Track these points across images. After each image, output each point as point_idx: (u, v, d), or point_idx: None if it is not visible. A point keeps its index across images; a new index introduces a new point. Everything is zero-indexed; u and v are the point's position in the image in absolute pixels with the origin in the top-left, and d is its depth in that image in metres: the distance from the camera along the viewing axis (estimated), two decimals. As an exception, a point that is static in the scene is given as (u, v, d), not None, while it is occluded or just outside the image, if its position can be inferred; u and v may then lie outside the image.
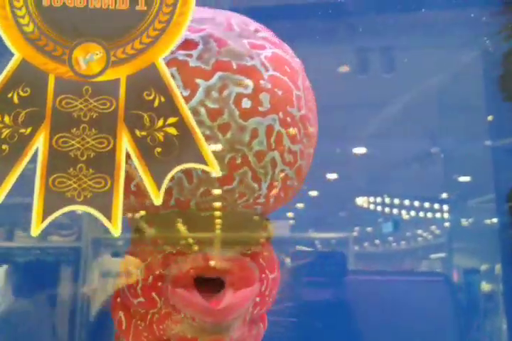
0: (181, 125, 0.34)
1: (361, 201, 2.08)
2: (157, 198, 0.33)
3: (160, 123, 0.34)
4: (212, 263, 0.40)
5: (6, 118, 0.33)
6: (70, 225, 2.34)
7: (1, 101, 0.33)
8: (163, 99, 0.34)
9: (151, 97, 0.34)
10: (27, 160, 0.33)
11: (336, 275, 1.00)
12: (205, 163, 0.34)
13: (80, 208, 0.32)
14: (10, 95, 0.33)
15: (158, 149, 0.34)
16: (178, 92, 0.35)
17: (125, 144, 0.33)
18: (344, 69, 1.61)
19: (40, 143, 0.33)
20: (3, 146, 0.33)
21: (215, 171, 0.34)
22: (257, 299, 0.42)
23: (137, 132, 0.34)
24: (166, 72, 0.35)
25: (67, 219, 2.35)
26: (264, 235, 0.44)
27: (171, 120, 0.34)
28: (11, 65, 0.34)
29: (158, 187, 0.33)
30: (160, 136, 0.34)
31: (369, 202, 2.09)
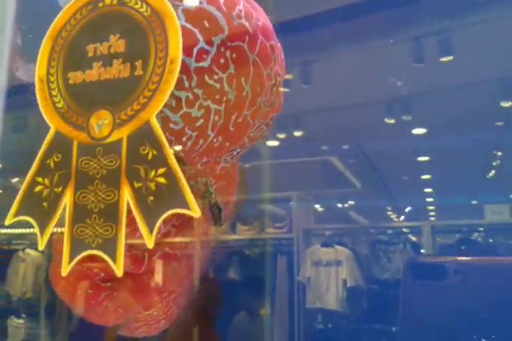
0: (169, 174, 0.38)
1: None
2: (149, 242, 0.37)
3: (152, 174, 0.38)
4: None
5: (46, 181, 0.41)
6: (283, 217, 2.51)
7: (42, 168, 0.42)
8: (155, 152, 0.39)
9: (145, 152, 0.39)
10: (59, 212, 0.40)
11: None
12: (188, 208, 0.37)
13: (93, 252, 0.39)
14: (48, 161, 0.42)
15: (151, 198, 0.38)
16: (167, 144, 0.38)
17: (126, 195, 0.39)
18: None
19: (67, 199, 0.40)
20: (44, 203, 0.41)
21: (197, 215, 0.37)
22: None
23: (135, 183, 0.39)
24: (158, 127, 0.39)
25: (281, 212, 2.52)
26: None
27: (161, 170, 0.38)
28: (48, 137, 0.42)
29: (151, 232, 0.38)
30: (152, 185, 0.38)
31: None
